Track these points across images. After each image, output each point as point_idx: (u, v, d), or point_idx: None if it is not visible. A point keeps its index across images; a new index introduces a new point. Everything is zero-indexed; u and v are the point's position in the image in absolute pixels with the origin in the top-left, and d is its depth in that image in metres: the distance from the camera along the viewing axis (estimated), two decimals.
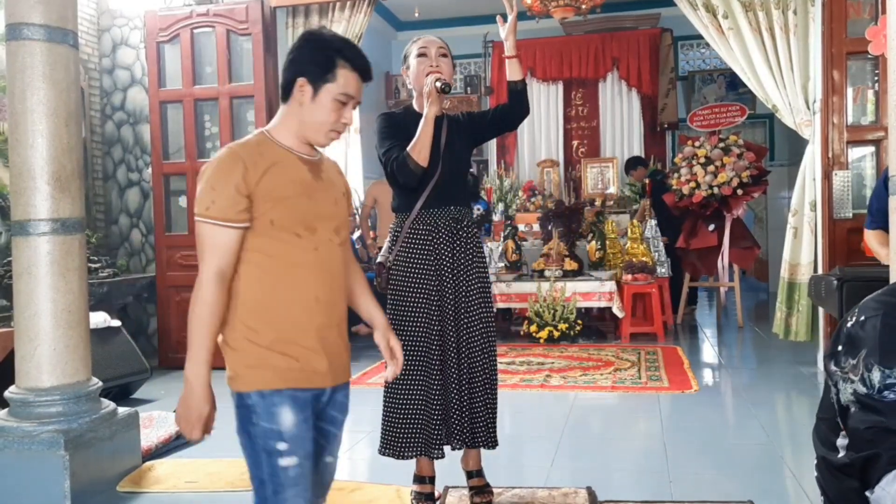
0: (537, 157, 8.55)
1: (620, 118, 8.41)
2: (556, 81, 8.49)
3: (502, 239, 6.61)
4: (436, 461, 2.64)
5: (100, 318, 4.32)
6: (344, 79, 1.64)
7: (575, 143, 8.62)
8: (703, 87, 9.33)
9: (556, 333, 5.83)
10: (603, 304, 6.08)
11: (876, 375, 1.65)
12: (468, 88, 9.35)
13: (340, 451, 3.82)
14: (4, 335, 3.79)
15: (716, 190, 6.35)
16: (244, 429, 1.61)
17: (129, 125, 5.70)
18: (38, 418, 2.82)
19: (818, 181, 4.71)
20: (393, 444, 2.57)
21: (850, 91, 4.60)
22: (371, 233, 6.90)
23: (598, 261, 6.44)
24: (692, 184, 6.47)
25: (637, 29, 8.40)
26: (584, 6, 6.44)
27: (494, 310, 2.89)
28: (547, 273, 6.13)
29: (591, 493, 2.74)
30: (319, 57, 1.63)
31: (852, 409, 1.71)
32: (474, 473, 2.70)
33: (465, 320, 2.60)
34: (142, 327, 5.69)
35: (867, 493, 1.67)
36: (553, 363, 5.16)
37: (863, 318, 1.73)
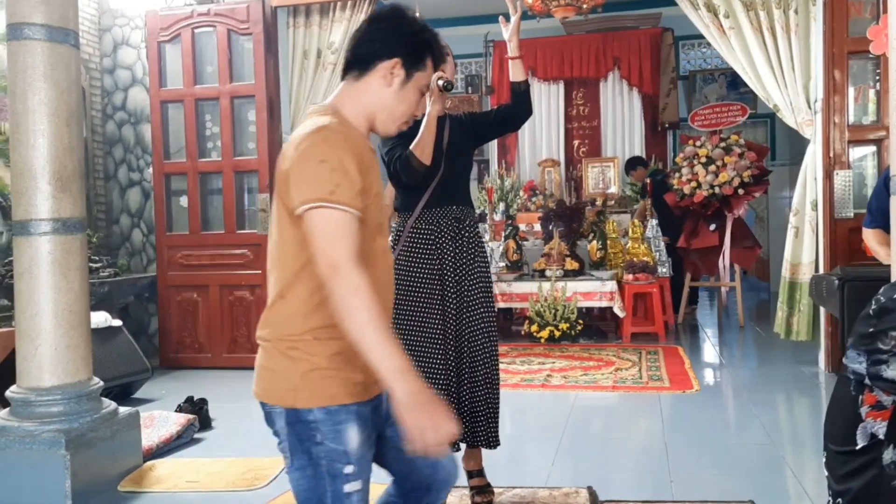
0: (538, 157, 8.54)
1: (621, 118, 8.41)
2: (557, 81, 8.48)
3: (503, 239, 6.61)
4: None
5: (101, 318, 4.33)
6: (429, 70, 1.52)
7: (576, 142, 8.62)
8: (704, 87, 9.32)
9: (557, 333, 5.83)
10: (604, 303, 6.08)
11: None
12: (469, 88, 9.35)
13: None
14: (5, 335, 3.79)
15: (717, 189, 6.35)
16: (303, 448, 1.40)
17: (130, 125, 5.70)
18: (39, 418, 2.82)
19: (819, 181, 4.71)
20: None
21: (851, 90, 4.59)
22: None
23: (599, 260, 6.44)
24: (693, 183, 6.46)
25: (638, 28, 8.40)
26: (584, 6, 6.43)
27: (496, 309, 2.90)
28: (548, 273, 6.13)
29: (592, 493, 2.74)
30: (416, 41, 1.49)
31: None
32: (475, 473, 2.70)
33: (467, 319, 2.60)
34: (143, 327, 5.70)
35: None
36: (554, 363, 5.16)
37: (894, 294, 1.71)
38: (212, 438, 3.67)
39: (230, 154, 5.34)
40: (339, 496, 1.39)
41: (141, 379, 4.56)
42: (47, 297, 2.85)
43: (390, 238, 2.68)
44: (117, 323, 4.52)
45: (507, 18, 2.69)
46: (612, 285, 6.00)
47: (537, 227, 6.88)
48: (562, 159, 8.50)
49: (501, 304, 6.14)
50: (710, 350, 5.85)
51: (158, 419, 3.64)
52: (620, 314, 5.99)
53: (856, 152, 4.67)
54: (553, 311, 5.88)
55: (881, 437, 1.70)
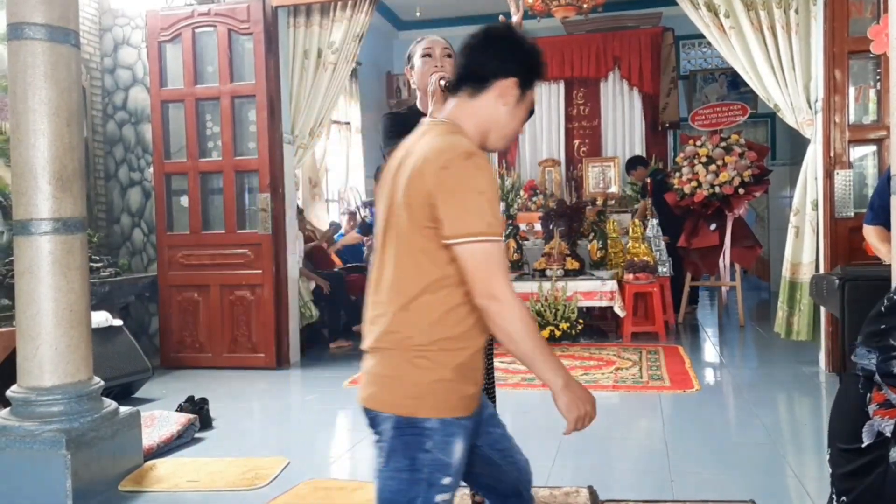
0: (539, 157, 8.55)
1: (622, 117, 8.41)
2: (558, 81, 8.48)
3: (504, 238, 6.61)
4: None
5: (101, 318, 4.33)
6: (536, 90, 1.57)
7: (576, 142, 8.62)
8: (704, 87, 9.32)
9: (558, 333, 5.83)
10: (604, 303, 6.08)
11: None
12: None
13: (341, 450, 3.82)
14: (6, 334, 3.79)
15: (717, 189, 6.35)
16: (407, 453, 1.43)
17: (130, 125, 5.70)
18: (39, 417, 2.82)
19: (820, 180, 4.71)
20: None
21: (851, 90, 4.59)
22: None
23: (599, 260, 6.44)
24: (693, 183, 6.46)
25: (638, 28, 8.40)
26: (585, 5, 6.43)
27: None
28: (548, 272, 6.13)
29: (593, 493, 2.74)
30: (531, 61, 1.53)
31: None
32: None
33: None
34: (143, 327, 5.70)
35: None
36: None
37: None
38: (212, 438, 3.67)
39: (231, 154, 5.34)
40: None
41: (141, 378, 4.56)
42: (48, 297, 2.85)
43: None
44: (118, 322, 4.53)
45: (508, 17, 2.69)
46: (612, 285, 6.00)
47: (538, 226, 6.89)
48: (562, 159, 8.50)
49: None
50: (710, 350, 5.85)
51: (159, 419, 3.64)
52: (621, 314, 5.99)
53: (856, 152, 4.67)
54: (553, 310, 5.88)
55: (888, 434, 1.70)
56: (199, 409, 3.80)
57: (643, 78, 8.17)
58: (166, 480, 3.03)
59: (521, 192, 8.00)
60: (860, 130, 4.62)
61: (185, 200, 5.47)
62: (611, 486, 2.82)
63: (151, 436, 3.42)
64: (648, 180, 7.30)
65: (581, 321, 5.98)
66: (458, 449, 1.45)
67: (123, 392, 4.40)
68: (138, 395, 4.54)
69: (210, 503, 2.85)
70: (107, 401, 3.10)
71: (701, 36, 5.51)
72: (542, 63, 1.56)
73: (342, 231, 7.28)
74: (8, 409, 2.94)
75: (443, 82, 2.51)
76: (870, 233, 3.50)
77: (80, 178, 3.00)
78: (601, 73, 8.34)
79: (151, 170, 5.56)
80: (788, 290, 4.95)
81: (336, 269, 6.51)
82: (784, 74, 4.75)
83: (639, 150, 8.21)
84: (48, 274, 2.85)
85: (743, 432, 3.62)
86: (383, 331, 1.47)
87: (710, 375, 4.93)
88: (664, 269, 6.52)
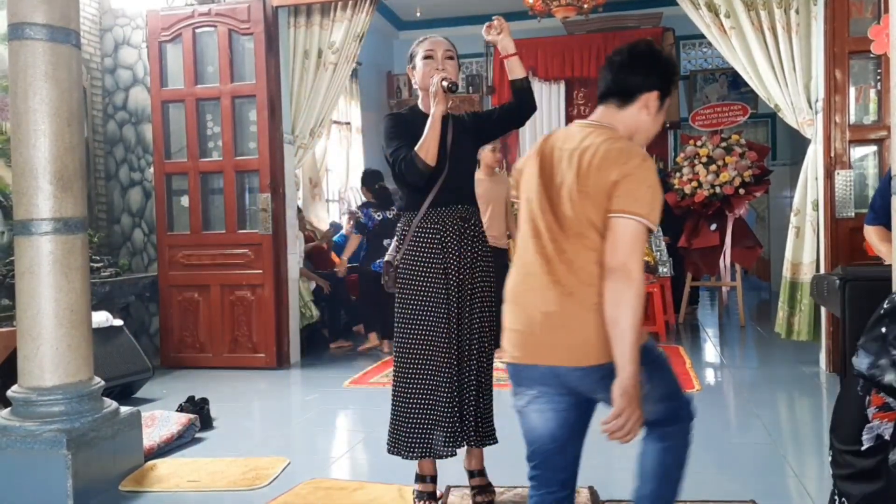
0: None
1: None
2: (559, 81, 8.46)
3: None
4: (436, 461, 2.64)
5: (102, 318, 4.33)
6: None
7: None
8: (704, 87, 9.32)
9: None
10: None
11: None
12: (470, 88, 9.35)
13: (342, 450, 3.82)
14: (7, 334, 3.79)
15: (718, 189, 6.35)
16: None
17: (131, 125, 5.71)
18: (40, 417, 2.82)
19: (820, 180, 4.71)
20: (401, 443, 2.58)
21: (852, 90, 4.59)
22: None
23: None
24: (694, 183, 6.46)
25: (639, 28, 8.39)
26: (585, 5, 6.43)
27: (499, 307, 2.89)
28: None
29: (593, 493, 2.74)
30: (670, 75, 1.78)
31: None
32: (476, 473, 2.71)
33: (469, 317, 2.60)
34: (144, 327, 5.70)
35: None
36: None
37: None
38: (213, 438, 3.67)
39: (231, 154, 5.34)
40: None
41: (142, 378, 4.56)
42: (48, 297, 2.85)
43: (395, 238, 2.68)
44: (118, 322, 4.53)
45: (507, 18, 2.69)
46: None
47: None
48: None
49: None
50: (710, 350, 5.85)
51: (159, 419, 3.64)
52: None
53: (857, 152, 4.67)
54: None
55: (887, 438, 1.69)
56: (199, 409, 3.80)
57: None
58: (167, 480, 3.03)
59: None
60: (861, 130, 4.62)
61: (185, 200, 5.47)
62: (611, 485, 2.82)
63: (152, 436, 3.42)
64: None
65: None
66: None
67: (124, 392, 4.41)
68: (139, 395, 4.54)
69: (210, 503, 2.85)
70: (107, 401, 3.10)
71: (701, 36, 5.51)
72: (678, 73, 1.83)
73: (343, 232, 7.28)
74: (8, 409, 2.94)
75: (445, 83, 2.52)
76: (871, 233, 3.49)
77: (81, 178, 3.00)
78: None
79: (152, 170, 5.56)
80: (789, 290, 4.95)
81: (336, 270, 6.50)
82: (784, 74, 4.75)
83: None
84: (49, 274, 2.85)
85: (743, 432, 3.62)
86: (560, 296, 1.69)
87: (710, 375, 4.93)
88: (665, 270, 6.52)
